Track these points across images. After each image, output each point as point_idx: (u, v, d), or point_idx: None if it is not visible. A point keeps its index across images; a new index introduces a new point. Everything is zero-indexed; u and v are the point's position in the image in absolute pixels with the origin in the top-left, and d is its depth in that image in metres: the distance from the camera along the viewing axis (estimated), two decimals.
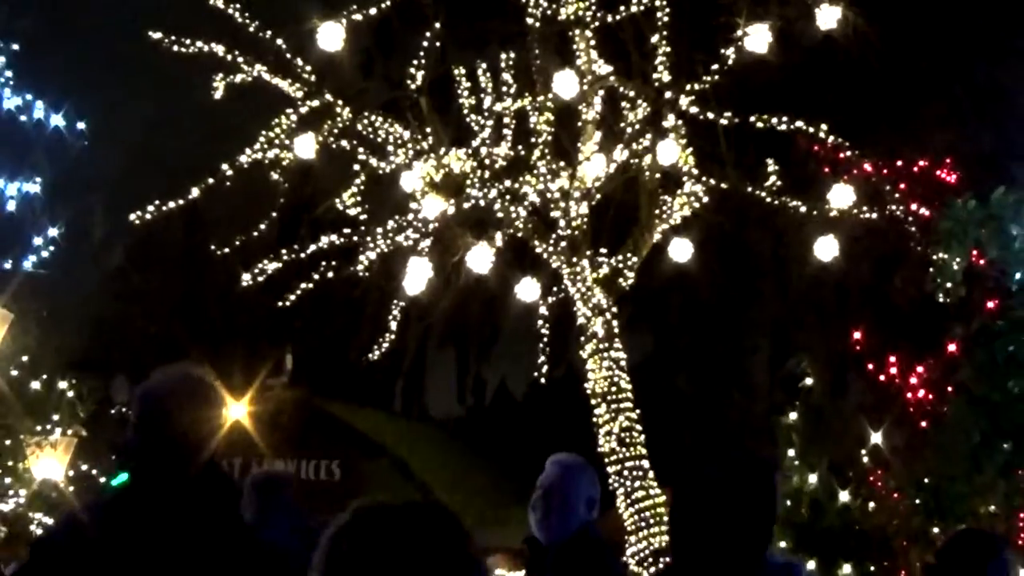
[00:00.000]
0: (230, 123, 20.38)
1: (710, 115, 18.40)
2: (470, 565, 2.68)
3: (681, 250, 18.24)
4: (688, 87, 18.34)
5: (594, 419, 18.53)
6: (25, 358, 16.20)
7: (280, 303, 20.49)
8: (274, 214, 20.13)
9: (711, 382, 32.05)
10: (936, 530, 13.05)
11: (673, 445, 27.65)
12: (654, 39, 18.42)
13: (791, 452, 16.69)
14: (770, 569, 7.37)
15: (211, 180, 19.29)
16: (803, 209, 17.95)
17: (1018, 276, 9.49)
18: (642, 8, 18.29)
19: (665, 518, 18.09)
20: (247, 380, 30.97)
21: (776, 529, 15.85)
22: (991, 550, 7.35)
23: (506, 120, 19.07)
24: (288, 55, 18.89)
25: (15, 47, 15.78)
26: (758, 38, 17.23)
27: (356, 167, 19.48)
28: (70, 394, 16.81)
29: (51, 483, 17.27)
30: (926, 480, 13.28)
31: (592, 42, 18.37)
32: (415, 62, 19.19)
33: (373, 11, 18.32)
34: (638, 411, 18.57)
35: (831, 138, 17.84)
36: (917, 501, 13.77)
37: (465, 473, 35.11)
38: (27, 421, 16.25)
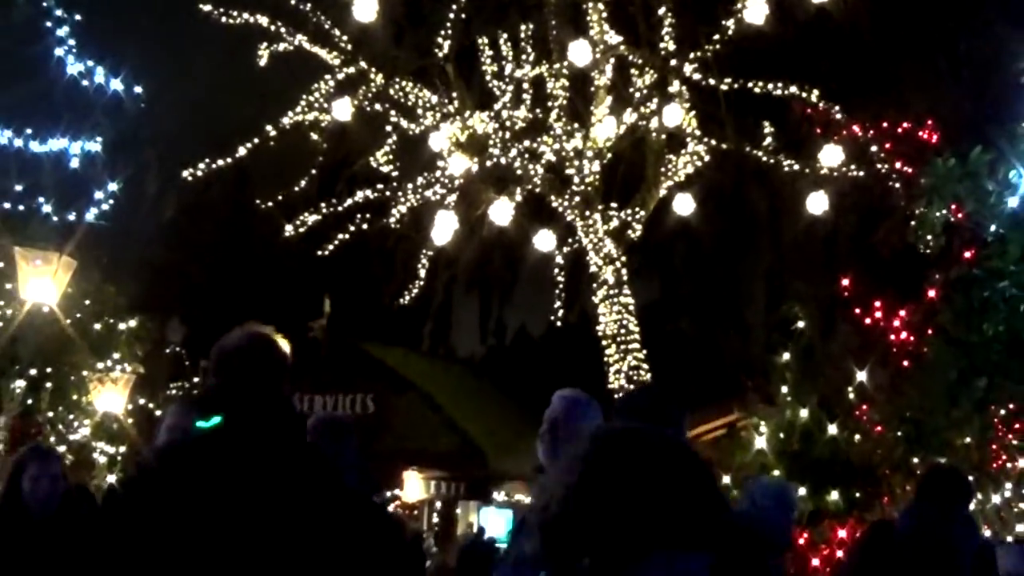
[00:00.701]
0: (274, 88, 20.35)
1: (712, 81, 18.38)
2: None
3: (684, 205, 18.25)
4: (692, 55, 18.31)
5: (605, 359, 18.57)
6: (88, 302, 16.26)
7: (319, 252, 20.56)
8: (314, 171, 20.16)
9: (711, 325, 32.07)
10: (916, 460, 13.07)
11: (677, 383, 27.71)
12: (660, 11, 18.40)
13: (784, 389, 16.71)
14: (765, 488, 7.43)
15: (257, 140, 19.36)
16: (796, 167, 17.95)
17: (993, 228, 9.46)
18: None
19: None
20: (289, 322, 31.12)
21: (771, 459, 15.96)
22: (959, 486, 7.39)
23: (525, 85, 19.06)
24: (326, 26, 18.88)
25: (77, 17, 15.77)
26: (756, 10, 17.17)
27: (388, 128, 19.49)
28: (129, 335, 16.87)
29: (112, 415, 17.38)
30: (907, 414, 13.28)
31: (604, 14, 18.29)
32: (442, 32, 19.16)
33: None
34: (645, 351, 18.62)
35: (822, 102, 17.81)
36: (899, 433, 13.77)
37: (487, 407, 35.17)
38: (90, 359, 16.32)
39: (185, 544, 4.33)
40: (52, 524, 5.95)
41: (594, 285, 18.87)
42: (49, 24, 15.67)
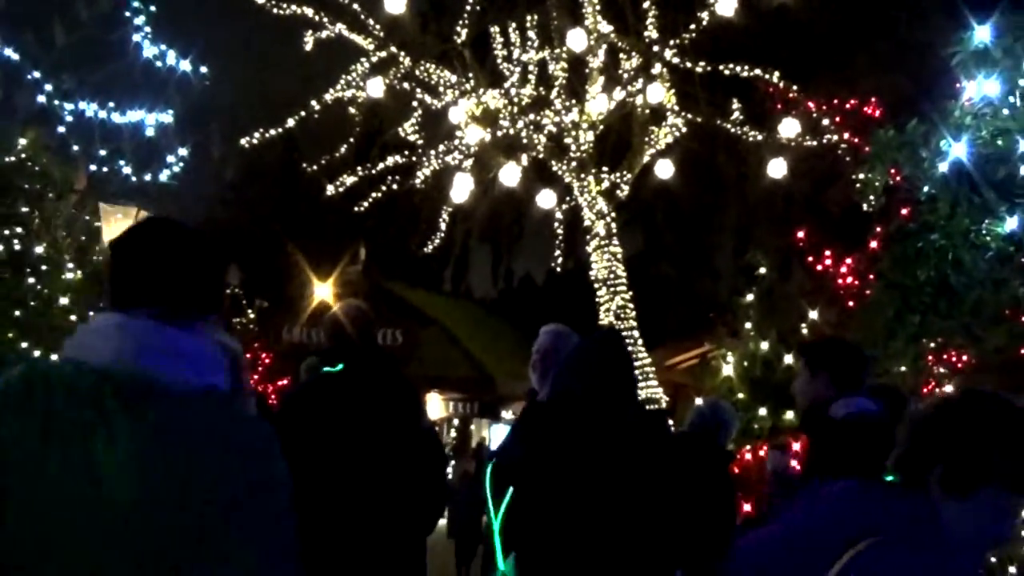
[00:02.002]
0: (317, 69, 20.29)
1: (688, 64, 18.32)
2: None
3: (665, 169, 18.21)
4: (672, 42, 18.24)
5: (596, 299, 18.60)
6: None
7: (356, 208, 20.61)
8: (351, 140, 20.17)
9: (687, 270, 32.02)
10: None
11: (657, 319, 27.75)
12: (645, 4, 18.33)
13: (748, 325, 16.70)
14: (702, 408, 7.53)
15: (303, 113, 19.37)
16: (759, 137, 17.90)
17: (926, 189, 9.38)
18: None
19: (650, 374, 18.22)
20: (330, 268, 31.12)
21: (736, 384, 15.98)
22: (896, 401, 7.44)
23: (530, 67, 19.00)
24: (362, 16, 18.82)
25: (152, 8, 15.73)
26: (727, 4, 17.12)
27: (414, 103, 19.47)
28: None
29: None
30: None
31: (597, 6, 18.21)
32: (460, 22, 19.11)
33: None
34: (630, 293, 18.63)
35: (782, 82, 17.74)
36: None
37: (496, 340, 35.17)
38: None
39: (324, 447, 5.48)
40: None
41: (588, 237, 18.88)
42: (128, 14, 15.64)
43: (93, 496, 2.43)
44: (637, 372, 17.95)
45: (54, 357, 3.16)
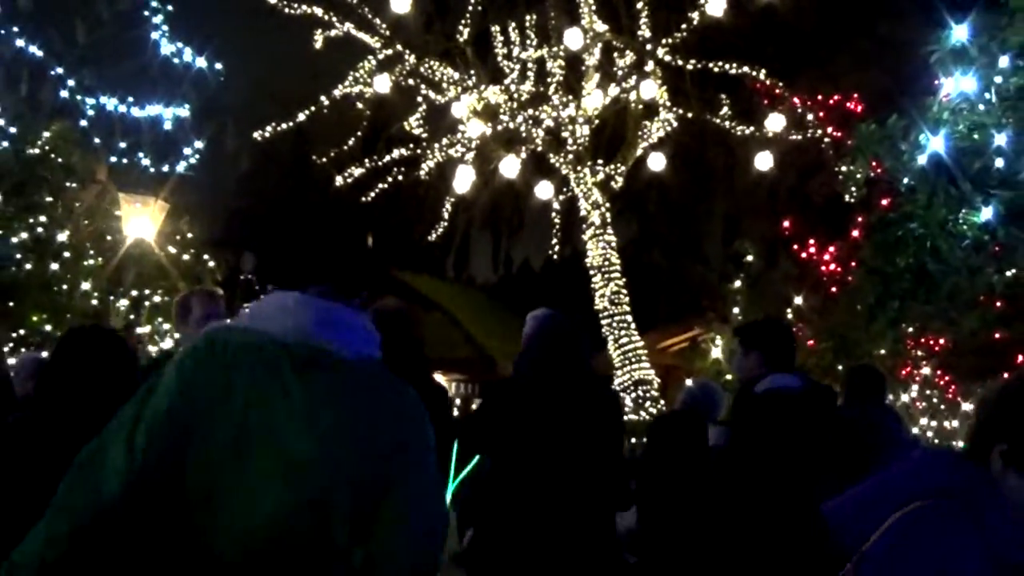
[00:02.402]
0: (327, 66, 20.27)
1: (680, 62, 18.30)
2: None
3: (657, 161, 18.19)
4: (664, 41, 18.21)
5: (592, 285, 18.59)
6: (178, 237, 16.27)
7: (363, 198, 20.57)
8: (359, 133, 20.13)
9: (678, 258, 31.98)
10: (841, 367, 13.11)
11: (649, 304, 27.75)
12: (639, 5, 18.31)
13: (735, 310, 16.72)
14: (692, 389, 7.55)
15: (313, 108, 19.38)
16: (747, 131, 17.88)
17: (905, 180, 9.39)
18: None
19: (643, 357, 18.23)
20: None
21: (724, 366, 15.98)
22: (879, 381, 7.47)
23: (529, 65, 18.97)
24: (369, 15, 18.80)
25: (170, 8, 15.74)
26: (716, 5, 17.10)
27: (419, 99, 19.44)
28: (211, 264, 16.88)
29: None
30: (835, 331, 13.31)
31: (593, 7, 18.19)
32: (463, 21, 19.09)
33: None
34: (624, 279, 18.63)
35: (769, 79, 17.74)
36: (828, 345, 13.82)
37: (497, 323, 35.14)
38: (181, 283, 16.37)
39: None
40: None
41: (583, 226, 18.88)
42: (147, 13, 15.65)
43: (269, 445, 2.75)
44: (630, 354, 17.99)
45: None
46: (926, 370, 13.73)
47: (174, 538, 2.74)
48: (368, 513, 2.84)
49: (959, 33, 8.83)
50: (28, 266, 13.67)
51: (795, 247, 15.45)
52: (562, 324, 5.73)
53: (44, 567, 2.65)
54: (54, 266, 14.14)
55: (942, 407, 14.35)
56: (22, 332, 13.22)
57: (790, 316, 15.62)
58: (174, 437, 2.75)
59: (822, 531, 5.25)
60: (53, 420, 3.61)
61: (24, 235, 13.95)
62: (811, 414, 5.86)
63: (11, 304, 13.54)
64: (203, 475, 2.74)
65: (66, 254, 14.38)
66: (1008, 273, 10.12)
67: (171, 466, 2.74)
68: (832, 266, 14.35)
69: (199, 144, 16.32)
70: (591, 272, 18.66)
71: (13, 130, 14.43)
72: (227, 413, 2.75)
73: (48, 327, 13.80)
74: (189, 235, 16.85)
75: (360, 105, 19.50)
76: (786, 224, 15.97)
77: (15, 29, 14.57)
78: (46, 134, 14.93)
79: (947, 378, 13.72)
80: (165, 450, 2.75)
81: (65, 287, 14.17)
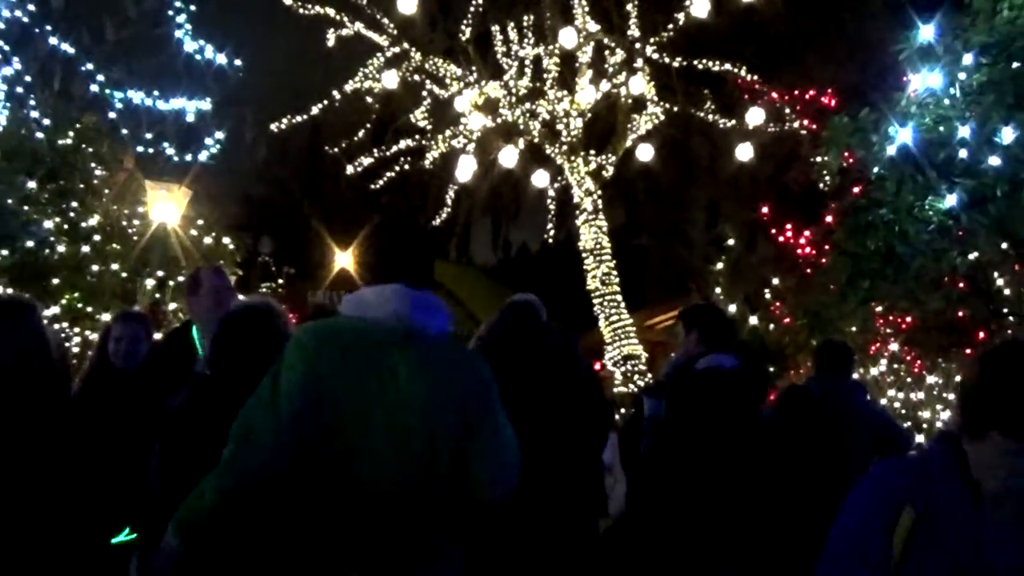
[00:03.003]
0: (338, 62, 20.21)
1: (667, 59, 18.28)
2: None
3: (645, 152, 18.17)
4: (652, 40, 18.19)
5: (584, 267, 18.60)
6: (200, 222, 16.25)
7: (372, 185, 20.61)
8: (368, 125, 20.13)
9: (664, 241, 31.95)
10: (815, 343, 13.11)
11: (638, 285, 27.78)
12: (628, 6, 18.28)
13: (718, 289, 16.75)
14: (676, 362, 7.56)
15: (326, 101, 19.36)
16: (729, 124, 17.86)
17: (876, 169, 9.40)
18: None
19: (631, 333, 18.25)
20: (350, 239, 31.06)
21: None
22: (847, 356, 7.48)
23: (527, 62, 18.92)
24: (378, 15, 18.77)
25: (192, 7, 15.69)
26: (700, 6, 17.07)
27: (424, 93, 19.40)
28: (231, 247, 16.85)
29: None
30: (809, 309, 13.30)
31: (586, 8, 18.15)
32: (465, 21, 19.05)
33: None
34: (614, 261, 18.64)
35: (749, 75, 17.72)
36: (803, 323, 13.81)
37: (497, 301, 35.06)
38: (203, 264, 16.32)
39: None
40: (134, 378, 5.77)
41: (577, 212, 18.88)
42: (171, 12, 15.60)
43: (383, 406, 3.40)
44: (619, 331, 18.01)
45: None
46: (894, 346, 13.74)
47: (321, 476, 3.39)
48: (461, 448, 3.55)
49: (925, 33, 8.84)
50: (61, 248, 13.68)
51: (773, 231, 15.45)
52: (520, 310, 5.89)
53: (216, 508, 3.36)
54: (85, 248, 14.16)
55: (908, 380, 14.38)
56: (56, 310, 13.22)
57: (768, 296, 15.63)
58: (308, 405, 3.34)
59: (748, 499, 5.90)
60: (228, 381, 4.08)
61: (57, 219, 13.98)
62: (742, 391, 6.06)
63: (44, 283, 13.57)
64: (336, 431, 3.37)
65: (96, 237, 14.39)
66: (970, 256, 10.14)
67: (309, 427, 3.35)
68: (807, 249, 14.35)
69: (220, 135, 16.28)
70: (583, 255, 18.67)
71: (47, 122, 14.47)
72: (347, 383, 3.37)
73: (80, 304, 13.83)
74: (211, 220, 16.82)
75: (369, 99, 19.50)
76: (764, 210, 15.96)
77: (48, 28, 14.54)
78: (78, 125, 14.95)
79: (913, 353, 13.75)
80: (303, 415, 3.34)
81: (95, 268, 14.17)
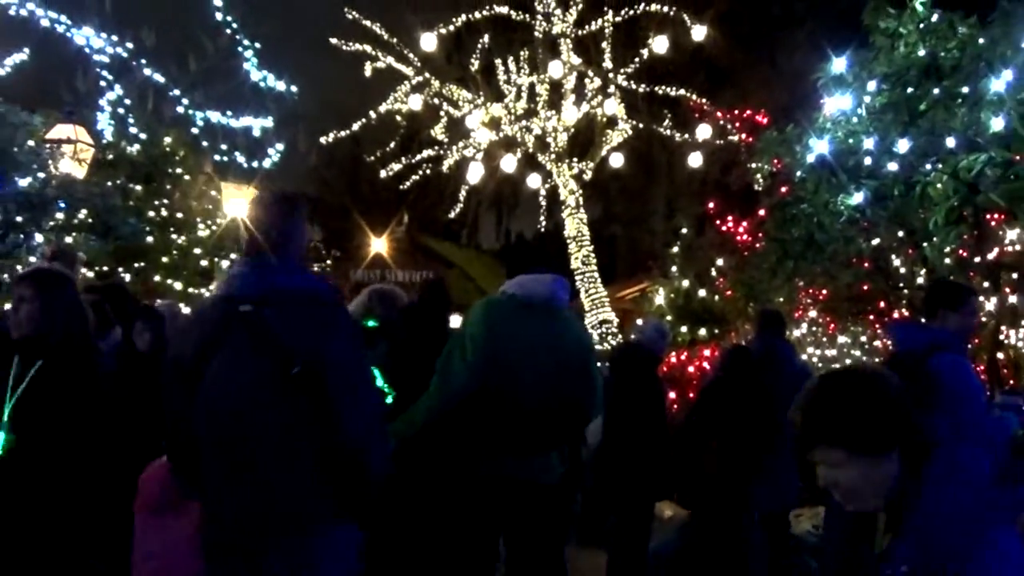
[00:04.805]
0: (374, 88, 20.13)
1: (634, 85, 18.22)
2: None
3: (617, 159, 18.17)
4: (622, 70, 18.12)
5: (569, 251, 18.59)
6: None
7: (401, 186, 20.59)
8: (398, 138, 20.11)
9: (631, 230, 31.90)
10: (750, 310, 13.13)
11: (610, 264, 27.76)
12: (604, 43, 18.20)
13: (674, 268, 16.74)
14: (648, 325, 7.50)
15: (364, 119, 19.30)
16: (683, 138, 17.81)
17: (798, 173, 9.41)
18: (596, 28, 18.12)
19: (606, 303, 18.25)
20: (383, 228, 31.16)
21: (666, 309, 15.95)
22: (780, 321, 7.46)
23: (523, 88, 18.83)
24: (405, 51, 18.70)
25: (257, 44, 15.63)
26: (660, 44, 17.04)
27: (442, 113, 19.33)
28: None
29: None
30: (746, 284, 13.31)
31: (570, 45, 18.08)
32: (475, 55, 18.97)
33: (451, 28, 18.25)
34: (592, 246, 18.63)
35: (699, 98, 17.68)
36: (741, 295, 13.82)
37: (500, 280, 35.15)
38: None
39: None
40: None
41: (562, 207, 18.83)
42: (240, 48, 15.55)
43: (536, 351, 4.39)
44: (596, 301, 18.01)
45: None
46: (813, 313, 13.78)
47: (492, 397, 4.27)
48: (581, 375, 4.50)
49: (838, 64, 8.85)
50: (150, 239, 13.73)
51: (717, 222, 15.43)
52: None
53: (430, 415, 4.31)
54: (172, 236, 14.20)
55: (824, 340, 14.42)
56: (150, 287, 13.27)
57: (713, 273, 15.63)
58: (488, 349, 4.28)
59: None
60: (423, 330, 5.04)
61: (151, 214, 14.01)
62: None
63: (139, 265, 13.63)
64: (506, 367, 4.30)
65: (182, 228, 14.42)
66: (873, 242, 10.18)
67: (489, 365, 4.28)
68: (745, 236, 14.34)
69: (280, 146, 16.25)
70: (568, 241, 18.65)
71: (143, 136, 14.49)
72: (513, 336, 4.36)
73: (169, 281, 13.85)
74: None
75: (399, 117, 19.39)
76: (711, 205, 15.94)
77: (143, 61, 14.54)
78: (167, 139, 14.93)
79: (828, 318, 13.78)
80: (485, 358, 4.28)
81: (181, 252, 14.22)
